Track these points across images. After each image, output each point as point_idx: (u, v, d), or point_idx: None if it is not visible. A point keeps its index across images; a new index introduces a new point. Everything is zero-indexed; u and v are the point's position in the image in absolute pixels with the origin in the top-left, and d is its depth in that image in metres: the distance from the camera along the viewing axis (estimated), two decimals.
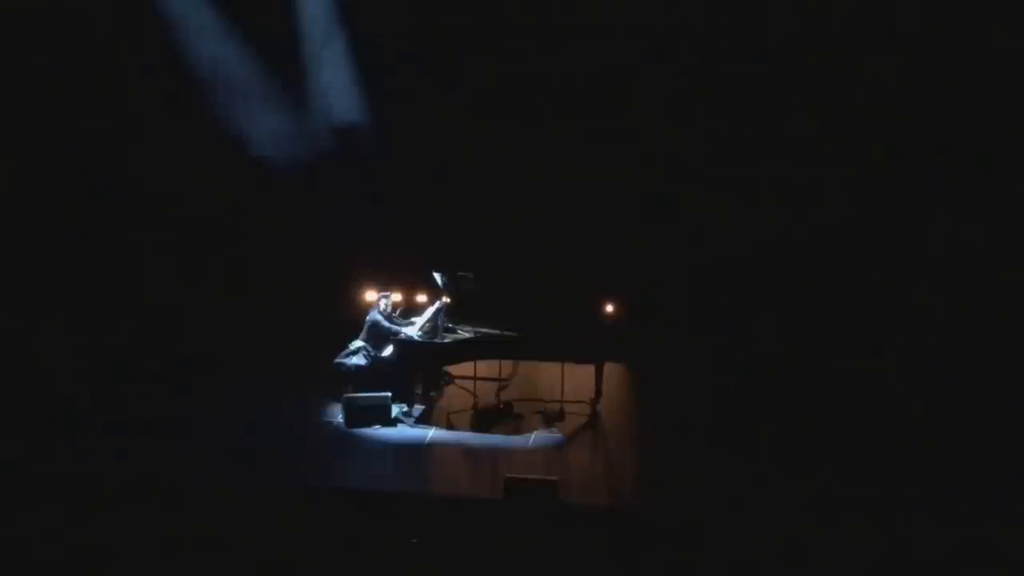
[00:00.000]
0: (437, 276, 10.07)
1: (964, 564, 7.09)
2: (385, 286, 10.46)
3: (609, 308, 10.29)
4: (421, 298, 10.85)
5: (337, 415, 9.59)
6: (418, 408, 9.88)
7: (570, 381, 10.04)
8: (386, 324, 10.02)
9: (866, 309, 11.15)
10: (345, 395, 9.62)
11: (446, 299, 10.04)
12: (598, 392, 9.91)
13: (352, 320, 10.36)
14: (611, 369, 10.33)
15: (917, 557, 7.16)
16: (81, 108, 11.78)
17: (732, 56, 11.47)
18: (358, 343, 9.99)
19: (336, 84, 12.39)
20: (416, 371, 10.06)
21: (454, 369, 10.43)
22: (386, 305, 10.16)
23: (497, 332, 9.92)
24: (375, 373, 9.79)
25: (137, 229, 12.09)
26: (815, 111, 11.37)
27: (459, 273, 10.01)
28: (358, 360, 9.88)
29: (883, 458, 8.66)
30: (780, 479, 8.33)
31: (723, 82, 11.58)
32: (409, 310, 10.69)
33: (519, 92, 11.91)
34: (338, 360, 9.90)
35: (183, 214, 12.15)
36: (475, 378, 10.18)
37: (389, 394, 9.59)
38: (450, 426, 9.63)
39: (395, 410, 9.61)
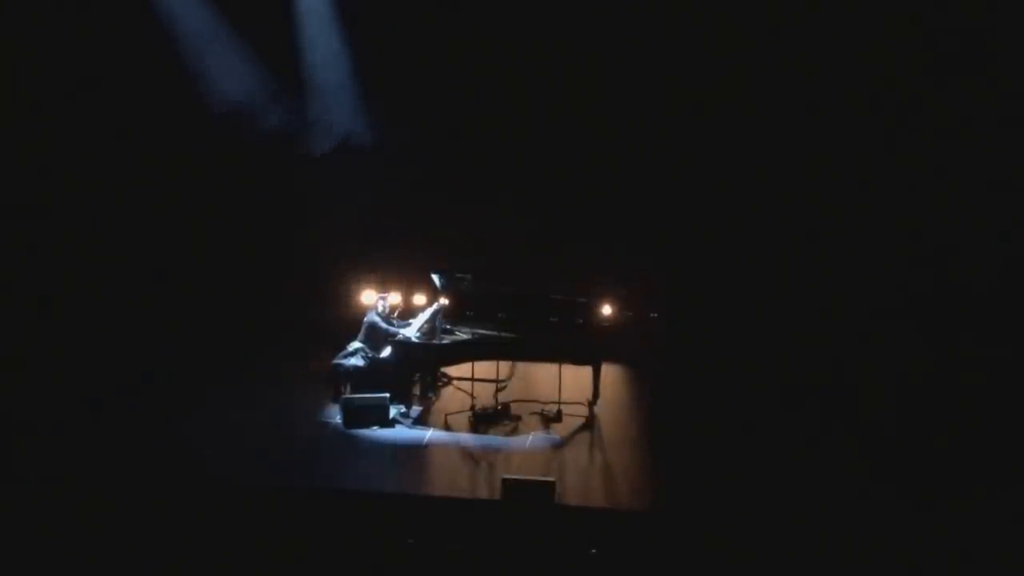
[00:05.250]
0: (435, 277, 10.10)
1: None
2: (384, 287, 10.49)
3: (607, 310, 10.32)
4: (419, 299, 10.89)
5: (336, 416, 9.61)
6: (416, 409, 9.91)
7: (568, 382, 10.07)
8: (384, 325, 10.05)
9: (862, 307, 11.25)
10: (343, 396, 9.66)
11: (444, 300, 10.07)
12: (595, 393, 9.95)
13: (351, 321, 10.40)
14: (608, 370, 10.38)
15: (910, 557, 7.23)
16: (85, 107, 11.79)
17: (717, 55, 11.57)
18: (356, 344, 10.03)
19: (335, 82, 12.41)
20: (414, 372, 10.10)
21: (452, 370, 10.46)
22: (384, 307, 10.20)
23: (495, 333, 9.96)
24: (373, 374, 9.82)
25: (137, 228, 12.09)
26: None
27: (457, 275, 10.05)
28: (356, 361, 9.90)
29: (880, 456, 8.74)
30: (778, 479, 8.38)
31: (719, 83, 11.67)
32: (407, 311, 10.72)
33: (520, 91, 11.95)
34: (336, 361, 9.93)
35: (183, 214, 12.17)
36: (473, 379, 10.20)
37: (387, 395, 9.61)
38: (448, 427, 9.64)
39: (393, 411, 9.63)
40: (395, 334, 9.99)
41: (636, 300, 10.82)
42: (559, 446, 9.26)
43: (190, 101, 12.06)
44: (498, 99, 12.02)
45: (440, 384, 10.51)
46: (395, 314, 10.49)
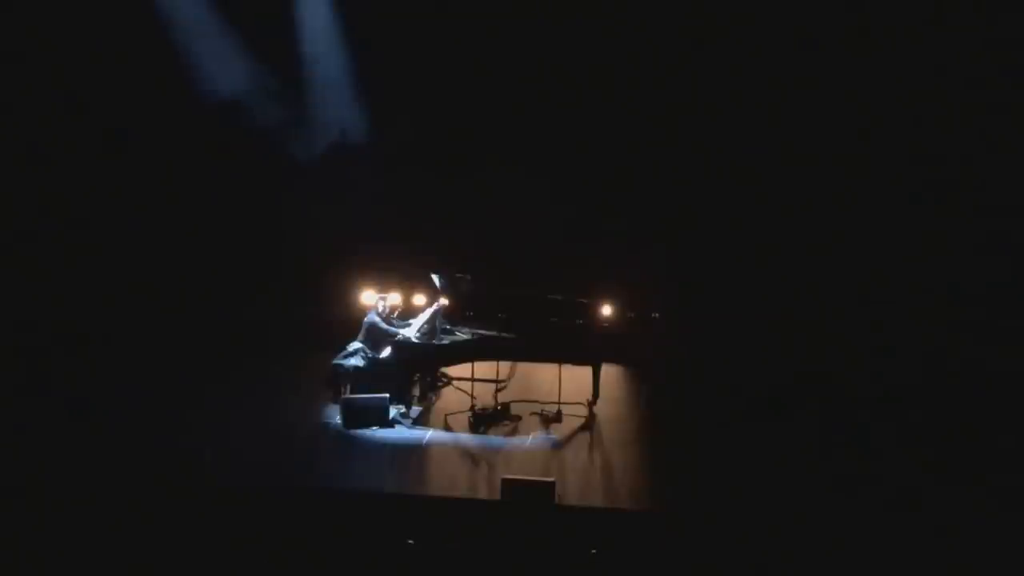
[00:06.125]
0: (435, 278, 10.11)
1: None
2: (383, 287, 10.49)
3: (607, 310, 10.32)
4: (419, 299, 10.89)
5: (336, 416, 9.61)
6: (416, 409, 9.92)
7: (567, 382, 10.07)
8: (383, 326, 10.05)
9: (863, 306, 11.26)
10: (343, 396, 9.66)
11: (444, 301, 10.07)
12: (595, 393, 9.95)
13: (351, 321, 10.40)
14: (608, 370, 10.38)
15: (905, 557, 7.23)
16: (81, 104, 11.76)
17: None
18: (356, 344, 10.03)
19: (334, 80, 12.40)
20: (414, 372, 10.10)
21: (452, 370, 10.47)
22: (384, 307, 10.20)
23: (495, 334, 9.96)
24: (373, 374, 9.82)
25: (134, 227, 12.08)
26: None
27: (457, 275, 10.05)
28: (356, 361, 9.90)
29: (880, 456, 8.74)
30: (778, 478, 8.38)
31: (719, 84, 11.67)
32: (407, 311, 10.72)
33: (520, 91, 11.95)
34: (336, 361, 9.93)
35: (180, 212, 12.16)
36: (473, 379, 10.20)
37: (387, 395, 9.61)
38: (448, 427, 9.65)
39: (393, 411, 9.64)
40: (395, 334, 9.99)
41: (637, 300, 10.82)
42: (559, 446, 9.26)
43: (187, 98, 12.03)
44: (498, 98, 12.01)
45: (440, 384, 10.52)
46: (395, 314, 10.49)
